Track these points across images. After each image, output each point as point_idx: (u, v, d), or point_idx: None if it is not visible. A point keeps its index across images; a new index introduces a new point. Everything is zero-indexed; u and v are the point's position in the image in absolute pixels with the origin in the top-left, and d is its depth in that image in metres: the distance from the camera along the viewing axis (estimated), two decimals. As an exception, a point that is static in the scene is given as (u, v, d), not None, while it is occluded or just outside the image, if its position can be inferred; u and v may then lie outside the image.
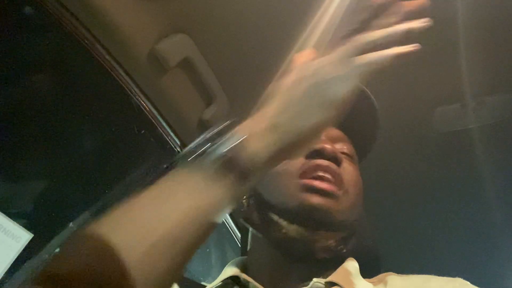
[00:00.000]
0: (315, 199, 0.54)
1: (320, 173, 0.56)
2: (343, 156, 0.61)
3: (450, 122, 1.05)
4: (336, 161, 0.57)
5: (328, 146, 0.57)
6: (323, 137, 0.60)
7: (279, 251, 0.58)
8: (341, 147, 0.63)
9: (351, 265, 0.58)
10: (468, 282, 0.51)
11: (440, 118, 1.04)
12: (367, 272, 0.59)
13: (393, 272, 0.58)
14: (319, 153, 0.57)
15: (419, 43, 0.93)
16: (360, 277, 0.57)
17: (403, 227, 1.33)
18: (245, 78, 0.90)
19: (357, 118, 0.62)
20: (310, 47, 0.78)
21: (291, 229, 0.56)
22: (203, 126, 0.90)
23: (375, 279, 0.58)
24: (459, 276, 0.52)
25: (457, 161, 1.14)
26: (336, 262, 0.60)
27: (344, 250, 0.58)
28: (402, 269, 0.58)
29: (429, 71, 0.94)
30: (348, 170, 0.59)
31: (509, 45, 0.88)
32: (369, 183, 0.66)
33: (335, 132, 0.64)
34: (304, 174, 0.56)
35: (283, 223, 0.57)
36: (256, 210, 0.62)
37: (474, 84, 0.95)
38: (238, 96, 0.93)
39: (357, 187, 0.60)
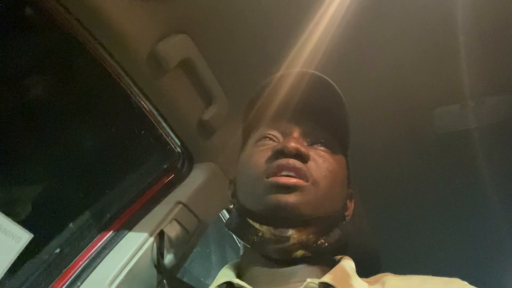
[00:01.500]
0: (280, 197, 0.55)
1: (284, 173, 0.56)
2: (315, 148, 0.62)
3: (450, 122, 1.05)
4: (301, 157, 0.58)
5: (290, 145, 0.57)
6: (293, 134, 0.62)
7: (258, 253, 0.59)
8: (312, 139, 0.63)
9: (347, 265, 0.58)
10: (466, 283, 0.51)
11: (439, 118, 1.04)
12: (364, 272, 0.59)
13: (390, 272, 0.58)
14: (282, 153, 0.58)
15: (419, 43, 0.94)
16: (357, 276, 0.57)
17: (402, 228, 1.34)
18: (245, 79, 0.90)
19: (321, 104, 0.64)
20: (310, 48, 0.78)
21: (264, 230, 0.57)
22: (203, 126, 0.90)
23: (371, 279, 0.58)
24: (457, 277, 0.53)
25: (457, 162, 1.14)
26: (331, 261, 0.60)
27: (326, 244, 0.58)
28: (400, 270, 0.58)
29: (429, 72, 0.94)
30: (318, 163, 0.59)
31: (509, 46, 0.88)
32: (368, 184, 0.66)
33: (306, 125, 0.63)
34: (269, 174, 0.57)
35: (257, 225, 0.58)
36: (236, 216, 0.63)
37: (474, 84, 0.95)
38: (238, 97, 0.93)
39: (331, 178, 0.60)
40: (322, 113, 0.64)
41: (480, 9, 0.79)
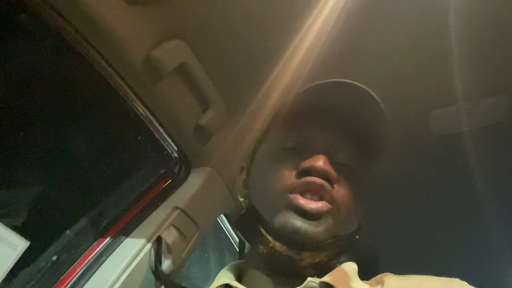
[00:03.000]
0: (300, 224, 0.53)
1: (308, 195, 0.54)
2: (342, 164, 0.58)
3: (446, 124, 1.05)
4: (329, 180, 0.55)
5: (319, 164, 0.54)
6: (320, 149, 0.58)
7: (267, 264, 0.58)
8: (340, 156, 0.59)
9: (349, 267, 0.58)
10: (465, 283, 0.51)
11: (435, 120, 1.05)
12: (365, 273, 0.59)
13: (390, 272, 0.58)
14: (309, 172, 0.55)
15: (415, 46, 0.94)
16: (358, 279, 0.57)
17: (400, 229, 1.34)
18: (241, 84, 0.90)
19: (362, 119, 0.59)
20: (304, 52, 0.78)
21: (276, 245, 0.56)
22: (200, 131, 0.90)
23: (372, 280, 0.58)
24: (456, 277, 0.53)
25: (453, 163, 1.15)
26: (333, 263, 0.60)
27: (338, 264, 0.57)
28: (399, 270, 0.58)
29: (424, 74, 0.95)
30: (343, 186, 0.57)
31: (504, 48, 0.89)
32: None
33: (335, 140, 0.60)
34: (293, 190, 0.55)
35: (269, 238, 0.57)
36: (247, 220, 0.62)
37: (469, 86, 0.95)
38: (235, 101, 0.93)
39: (353, 201, 0.58)
40: (357, 127, 0.60)
41: (474, 11, 0.80)
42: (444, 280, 0.52)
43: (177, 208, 0.83)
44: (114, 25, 0.66)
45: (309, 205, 0.53)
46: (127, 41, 0.69)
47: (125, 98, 0.78)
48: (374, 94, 0.58)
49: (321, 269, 0.56)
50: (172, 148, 0.92)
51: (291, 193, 0.55)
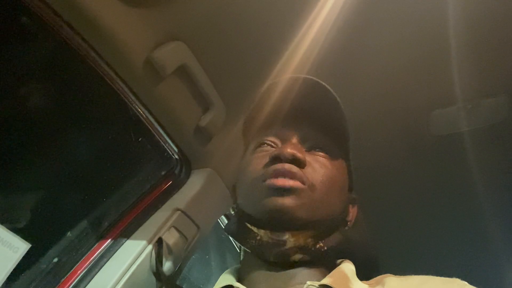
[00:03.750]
0: (277, 200, 0.55)
1: (281, 177, 0.57)
2: (313, 153, 0.62)
3: (446, 125, 1.05)
4: (298, 162, 0.58)
5: (286, 150, 0.58)
6: (291, 140, 0.63)
7: (258, 258, 0.59)
8: (310, 144, 0.63)
9: (347, 268, 0.58)
10: (466, 282, 0.51)
11: (436, 121, 1.05)
12: (365, 274, 0.59)
13: (390, 273, 0.58)
14: (278, 158, 0.58)
15: (415, 46, 0.94)
16: (357, 279, 0.57)
17: (400, 229, 1.34)
18: (241, 85, 0.90)
19: (318, 108, 0.64)
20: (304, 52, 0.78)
21: (262, 234, 0.58)
22: (200, 132, 0.90)
23: (372, 281, 0.58)
24: (457, 276, 0.53)
25: (453, 164, 1.15)
26: (331, 264, 0.60)
27: (325, 248, 0.58)
28: (400, 270, 0.58)
29: (425, 75, 0.95)
30: (315, 168, 0.60)
31: (504, 48, 0.89)
32: (367, 186, 0.66)
33: (303, 130, 0.64)
34: (265, 178, 0.58)
35: (254, 229, 0.59)
36: (235, 221, 0.64)
37: (470, 86, 0.96)
38: (235, 102, 0.93)
39: (328, 183, 0.60)
40: (319, 118, 0.64)
41: (474, 11, 0.80)
42: (445, 280, 0.52)
43: (178, 209, 0.83)
44: (114, 27, 0.66)
45: (281, 182, 0.56)
46: (127, 43, 0.69)
47: (126, 99, 0.78)
48: (326, 86, 0.63)
49: (310, 254, 0.57)
50: (172, 149, 0.92)
51: (264, 180, 0.58)
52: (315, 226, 0.58)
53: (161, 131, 0.86)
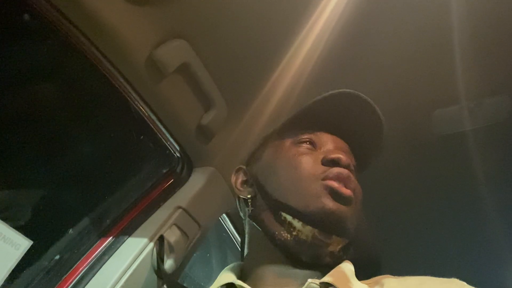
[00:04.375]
0: (336, 205, 0.56)
1: (341, 182, 0.58)
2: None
3: (449, 124, 1.05)
4: (352, 171, 0.60)
5: (344, 157, 0.59)
6: (336, 147, 0.64)
7: (283, 254, 0.59)
8: (351, 159, 0.66)
9: (346, 267, 0.59)
10: (465, 283, 0.51)
11: (438, 120, 1.04)
12: (364, 274, 0.59)
13: (389, 274, 0.58)
14: (336, 163, 0.59)
15: (417, 45, 0.93)
16: (356, 279, 0.58)
17: (400, 229, 1.33)
18: (243, 83, 0.90)
19: (362, 132, 0.67)
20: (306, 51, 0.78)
21: (304, 230, 0.58)
22: (202, 131, 0.90)
23: (371, 281, 0.58)
24: (455, 277, 0.53)
25: (455, 163, 1.14)
26: (331, 264, 0.61)
27: (344, 257, 0.60)
28: (399, 271, 0.58)
29: (427, 73, 0.94)
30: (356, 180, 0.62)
31: (507, 47, 0.89)
32: (367, 185, 0.66)
33: (343, 144, 0.67)
34: (325, 177, 0.59)
35: (297, 224, 0.58)
36: (267, 210, 0.63)
37: (472, 85, 0.95)
38: (237, 101, 0.93)
39: (360, 198, 0.63)
40: (361, 138, 0.67)
41: (477, 11, 0.80)
42: (444, 280, 0.52)
43: (179, 207, 0.83)
44: (116, 24, 0.66)
45: (344, 191, 0.57)
46: (129, 40, 0.69)
47: (127, 97, 0.79)
48: (375, 106, 0.65)
49: (335, 260, 0.59)
50: (174, 147, 0.92)
51: (323, 180, 0.58)
52: (351, 237, 0.60)
53: (162, 129, 0.86)
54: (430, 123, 1.06)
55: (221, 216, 1.16)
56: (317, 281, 0.53)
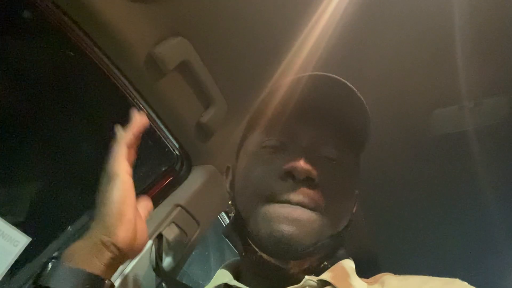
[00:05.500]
0: (284, 229, 0.51)
1: (292, 197, 0.52)
2: (326, 157, 0.57)
3: (448, 124, 1.05)
4: (311, 180, 0.53)
5: (299, 165, 0.52)
6: (302, 144, 0.56)
7: (259, 270, 0.57)
8: (324, 151, 0.57)
9: (347, 264, 0.58)
10: (466, 283, 0.51)
11: (437, 120, 1.04)
12: (364, 272, 0.59)
13: (391, 272, 0.58)
14: (291, 175, 0.53)
15: (417, 45, 0.93)
16: (356, 276, 0.57)
17: (401, 228, 1.34)
18: (243, 81, 0.90)
19: (342, 111, 0.58)
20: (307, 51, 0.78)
21: (264, 254, 0.55)
22: (202, 129, 0.90)
23: (371, 279, 0.58)
24: (457, 277, 0.52)
25: (455, 163, 1.14)
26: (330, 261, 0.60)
27: (329, 266, 0.56)
28: (401, 270, 0.58)
29: (427, 74, 0.94)
30: (327, 184, 0.55)
31: (506, 47, 0.89)
32: (368, 185, 0.66)
33: (318, 134, 0.58)
34: (275, 198, 0.53)
35: (256, 248, 0.55)
36: (235, 229, 0.60)
37: (472, 86, 0.95)
38: (237, 99, 0.93)
39: (341, 197, 0.56)
40: (338, 119, 0.58)
41: (477, 10, 0.80)
42: (445, 280, 0.52)
43: (178, 205, 0.83)
44: (116, 22, 0.66)
45: (292, 215, 0.52)
46: (129, 38, 0.69)
47: (127, 95, 0.78)
48: (350, 85, 0.56)
49: (314, 272, 0.55)
50: (173, 145, 0.92)
51: (272, 201, 0.53)
52: (322, 249, 0.54)
53: (162, 127, 0.86)
54: (429, 123, 1.06)
55: (220, 214, 1.16)
56: (315, 279, 0.52)
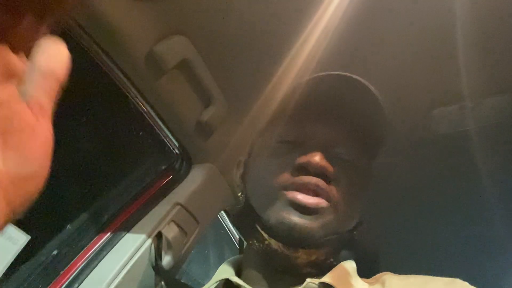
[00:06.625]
0: (297, 219, 0.52)
1: (306, 186, 0.53)
2: (340, 158, 0.57)
3: (448, 123, 1.05)
4: (325, 176, 0.54)
5: (315, 161, 0.53)
6: (319, 143, 0.56)
7: (263, 261, 0.58)
8: (340, 151, 0.58)
9: (348, 265, 0.58)
10: (467, 283, 0.51)
11: (438, 119, 1.04)
12: (365, 272, 0.59)
13: (391, 272, 0.58)
14: (305, 169, 0.54)
15: (418, 44, 0.93)
16: (357, 277, 0.57)
17: (402, 228, 1.33)
18: (243, 80, 0.90)
19: (360, 112, 0.58)
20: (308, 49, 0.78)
21: (272, 242, 0.55)
22: (201, 127, 0.89)
23: (372, 279, 0.58)
24: (458, 277, 0.52)
25: (455, 163, 1.14)
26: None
27: (335, 263, 0.56)
28: (401, 270, 0.58)
29: (427, 73, 0.94)
30: (341, 182, 0.55)
31: (507, 46, 0.88)
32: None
33: (335, 134, 0.59)
34: (288, 187, 0.54)
35: (265, 235, 0.56)
36: (244, 216, 0.61)
37: (472, 85, 0.95)
38: (237, 97, 0.93)
39: (353, 197, 0.57)
40: (355, 119, 0.59)
41: (479, 9, 0.79)
42: (446, 280, 0.52)
43: (177, 204, 0.83)
44: (116, 20, 0.66)
45: (306, 200, 0.52)
46: (129, 36, 0.68)
47: (127, 93, 0.78)
48: (371, 87, 0.57)
49: (319, 268, 0.55)
50: (173, 144, 0.92)
51: (286, 190, 0.54)
52: (331, 244, 0.55)
53: (162, 125, 0.86)
54: (429, 122, 1.05)
55: (219, 213, 1.16)
56: (316, 281, 0.52)
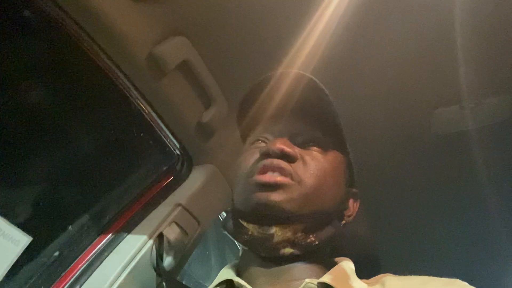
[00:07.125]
0: (263, 195, 0.56)
1: (269, 172, 0.57)
2: (306, 147, 0.62)
3: (449, 123, 1.05)
4: (287, 157, 0.58)
5: (275, 146, 0.58)
6: (283, 135, 0.63)
7: (253, 253, 0.59)
8: (302, 138, 0.63)
9: (346, 266, 0.58)
10: (467, 284, 0.51)
11: (438, 120, 1.04)
12: (365, 273, 0.59)
13: (391, 272, 0.58)
14: (267, 154, 0.59)
15: (418, 44, 0.93)
16: (356, 277, 0.57)
17: (401, 229, 1.34)
18: (244, 81, 0.90)
19: (308, 102, 0.64)
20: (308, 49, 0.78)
21: (251, 229, 0.58)
22: (202, 128, 0.90)
23: (372, 280, 0.58)
24: (458, 277, 0.52)
25: (455, 163, 1.14)
26: (330, 262, 0.60)
27: (317, 242, 0.57)
28: (400, 270, 0.58)
29: (428, 73, 0.94)
30: (307, 161, 0.60)
31: (508, 47, 0.88)
32: (368, 184, 0.66)
33: (296, 125, 0.64)
34: (254, 173, 0.59)
35: (245, 224, 0.59)
36: (230, 217, 0.65)
37: (473, 85, 0.95)
38: (237, 98, 0.93)
39: (321, 176, 0.60)
40: (309, 112, 0.64)
41: (479, 9, 0.80)
42: (446, 281, 0.52)
43: (179, 205, 0.83)
44: (117, 21, 0.66)
45: (268, 178, 0.57)
46: (130, 37, 0.69)
47: (128, 94, 0.78)
48: (311, 76, 0.63)
49: (300, 247, 0.57)
50: (174, 145, 0.92)
51: (252, 176, 0.59)
52: (304, 219, 0.57)
53: (163, 126, 0.86)
54: (430, 122, 1.05)
55: (221, 214, 1.16)
56: (315, 281, 0.53)
